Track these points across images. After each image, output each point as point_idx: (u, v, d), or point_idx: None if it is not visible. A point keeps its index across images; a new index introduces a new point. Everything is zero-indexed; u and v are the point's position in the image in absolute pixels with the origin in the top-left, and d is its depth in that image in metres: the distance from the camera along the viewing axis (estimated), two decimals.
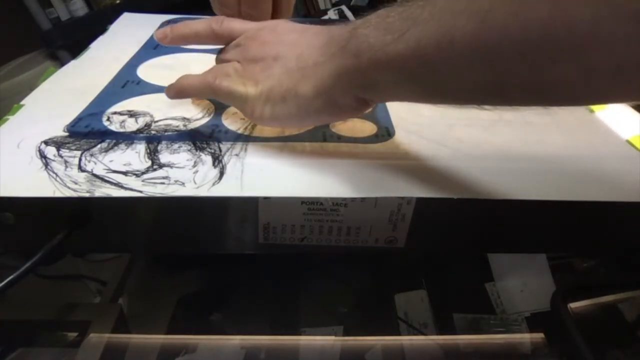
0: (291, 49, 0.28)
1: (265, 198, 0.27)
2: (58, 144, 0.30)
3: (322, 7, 1.41)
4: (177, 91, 0.34)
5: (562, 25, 0.16)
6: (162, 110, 0.35)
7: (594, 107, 0.38)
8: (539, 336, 0.43)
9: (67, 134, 0.31)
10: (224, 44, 0.33)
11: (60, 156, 0.29)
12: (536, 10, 0.17)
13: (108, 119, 0.33)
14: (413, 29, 0.21)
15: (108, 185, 0.27)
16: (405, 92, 0.24)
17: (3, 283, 0.25)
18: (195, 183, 0.27)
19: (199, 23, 0.34)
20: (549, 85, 0.18)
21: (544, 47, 0.17)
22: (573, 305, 0.39)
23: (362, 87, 0.24)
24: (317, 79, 0.26)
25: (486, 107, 0.22)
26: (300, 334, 0.45)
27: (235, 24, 0.33)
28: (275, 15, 0.37)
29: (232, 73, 0.30)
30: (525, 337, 0.44)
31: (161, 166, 0.29)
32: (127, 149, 0.30)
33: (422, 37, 0.20)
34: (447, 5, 0.20)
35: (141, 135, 0.31)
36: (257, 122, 0.31)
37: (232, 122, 0.34)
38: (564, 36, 0.16)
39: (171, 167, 0.29)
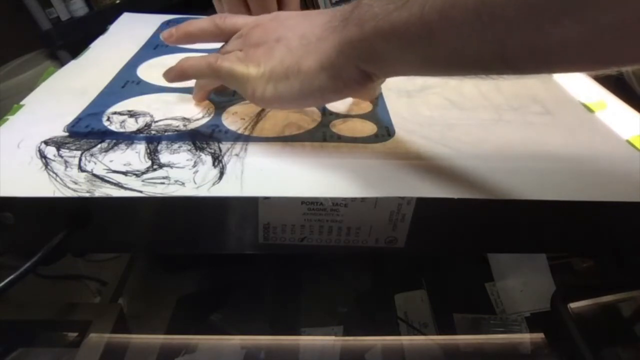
0: (293, 30, 0.28)
1: (265, 198, 0.27)
2: (58, 144, 0.30)
3: (322, 7, 1.41)
4: (177, 73, 0.34)
5: None
6: (162, 110, 0.35)
7: (594, 107, 0.38)
8: (539, 336, 0.43)
9: (67, 134, 0.31)
10: (227, 39, 0.34)
11: (60, 156, 0.29)
12: None
13: (108, 119, 0.33)
14: None
15: (108, 185, 0.27)
16: (409, 62, 0.24)
17: (3, 283, 0.25)
18: (195, 183, 0.27)
19: (203, 21, 0.34)
20: (553, 46, 0.18)
21: (546, 5, 0.17)
22: (573, 305, 0.39)
23: (366, 58, 0.24)
24: (321, 52, 0.26)
25: (492, 76, 0.22)
26: (300, 334, 0.45)
27: (238, 19, 0.33)
28: (282, 8, 0.38)
29: (233, 59, 0.30)
30: (525, 337, 0.44)
31: (161, 166, 0.29)
32: (127, 149, 0.30)
33: (426, 4, 0.20)
34: None
35: (141, 135, 0.31)
36: (258, 103, 0.31)
37: (232, 122, 0.34)
38: None
39: (171, 167, 0.29)
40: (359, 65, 0.25)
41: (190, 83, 0.36)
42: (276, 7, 0.38)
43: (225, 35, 0.34)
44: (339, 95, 0.28)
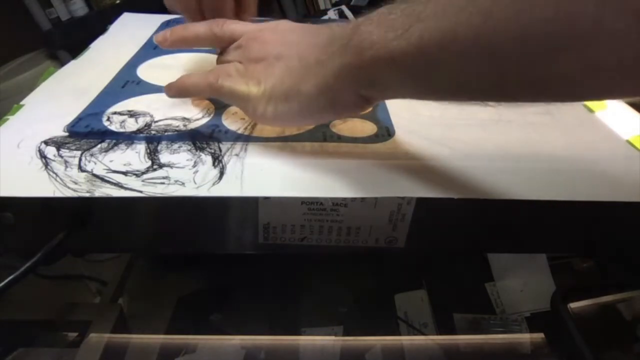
0: (293, 48, 0.28)
1: (265, 198, 0.27)
2: (58, 144, 0.30)
3: (322, 7, 1.41)
4: (178, 90, 0.34)
5: (564, 20, 0.16)
6: (162, 110, 0.35)
7: (594, 107, 0.38)
8: (539, 336, 0.43)
9: (67, 134, 0.31)
10: (224, 46, 0.33)
11: (60, 156, 0.29)
12: (539, 6, 0.17)
13: (108, 119, 0.33)
14: (415, 25, 0.21)
15: (108, 185, 0.27)
16: (408, 89, 0.24)
17: (3, 283, 0.25)
18: (195, 183, 0.27)
19: (199, 26, 0.34)
20: (551, 81, 0.19)
21: (546, 43, 0.17)
22: (573, 305, 0.39)
23: (365, 84, 0.24)
24: (320, 77, 0.26)
25: (490, 103, 0.22)
26: (300, 334, 0.45)
27: (236, 26, 0.33)
28: (238, 12, 0.38)
29: (234, 73, 0.30)
30: (525, 337, 0.44)
31: (161, 166, 0.29)
32: (127, 149, 0.30)
33: (425, 34, 0.20)
34: (449, 1, 0.20)
35: (141, 135, 0.31)
36: (259, 121, 0.31)
37: (232, 122, 0.34)
38: (566, 32, 0.17)
39: (171, 167, 0.29)
40: (358, 91, 0.25)
41: None
42: (232, 8, 0.38)
43: (221, 43, 0.33)
44: (338, 117, 0.29)
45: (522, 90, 0.20)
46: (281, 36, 0.30)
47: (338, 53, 0.25)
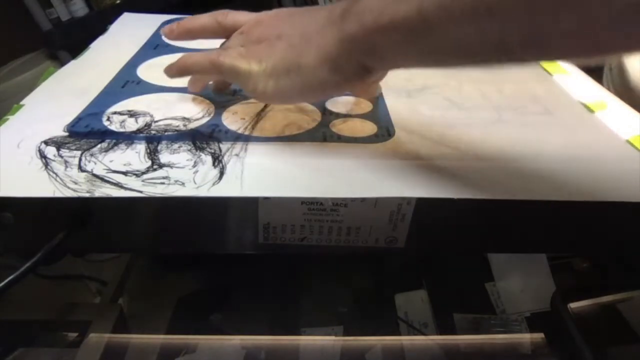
0: (294, 27, 0.28)
1: (265, 198, 0.27)
2: (58, 144, 0.30)
3: (320, 3, 1.41)
4: (179, 69, 0.34)
5: None
6: (162, 110, 0.35)
7: (594, 107, 0.38)
8: (539, 336, 0.43)
9: (67, 134, 0.31)
10: (228, 36, 0.34)
11: (60, 156, 0.29)
12: None
13: (108, 119, 0.33)
14: None
15: (108, 185, 0.27)
16: (408, 55, 0.24)
17: (3, 283, 0.25)
18: (195, 183, 0.27)
19: (204, 17, 0.34)
20: (550, 37, 0.19)
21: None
22: (573, 305, 0.39)
23: (365, 52, 0.24)
24: (320, 48, 0.26)
25: (490, 67, 0.22)
26: (300, 334, 0.45)
27: (240, 16, 0.33)
28: None
29: (235, 54, 0.30)
30: (525, 337, 0.44)
31: (161, 166, 0.29)
32: (127, 149, 0.30)
33: None
34: None
35: (141, 135, 0.31)
36: (260, 98, 0.31)
37: (232, 122, 0.34)
38: None
39: (171, 167, 0.29)
40: (359, 59, 0.25)
41: None
42: None
43: (226, 32, 0.34)
44: (339, 89, 0.29)
45: (522, 48, 0.20)
46: (282, 19, 0.30)
47: (338, 23, 0.25)
